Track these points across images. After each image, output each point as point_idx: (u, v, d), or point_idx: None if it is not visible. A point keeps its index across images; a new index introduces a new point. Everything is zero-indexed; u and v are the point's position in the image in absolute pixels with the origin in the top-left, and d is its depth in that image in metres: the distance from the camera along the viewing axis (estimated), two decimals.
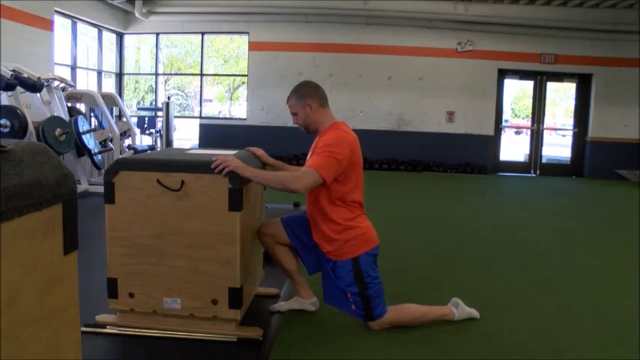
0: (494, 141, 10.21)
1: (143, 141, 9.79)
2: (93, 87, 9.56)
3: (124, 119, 7.38)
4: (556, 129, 13.75)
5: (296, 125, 2.53)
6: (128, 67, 11.11)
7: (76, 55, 8.85)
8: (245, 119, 10.42)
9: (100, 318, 2.32)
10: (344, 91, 9.79)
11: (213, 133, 10.31)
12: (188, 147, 6.46)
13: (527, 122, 11.87)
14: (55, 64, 7.82)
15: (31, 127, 5.18)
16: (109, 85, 10.45)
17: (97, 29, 9.56)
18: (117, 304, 2.25)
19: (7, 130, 5.04)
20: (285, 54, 10.03)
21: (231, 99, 19.39)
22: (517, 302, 2.95)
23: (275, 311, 2.58)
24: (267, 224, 2.57)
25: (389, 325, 2.42)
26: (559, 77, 10.29)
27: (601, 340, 2.45)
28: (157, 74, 11.09)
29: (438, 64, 9.94)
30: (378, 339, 2.35)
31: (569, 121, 11.15)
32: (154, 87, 11.47)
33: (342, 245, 2.36)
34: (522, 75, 10.37)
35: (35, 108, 5.89)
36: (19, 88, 5.33)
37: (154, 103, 11.12)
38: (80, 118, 5.92)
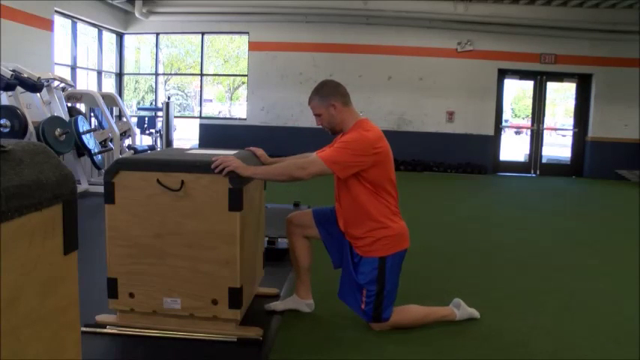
0: (494, 141, 10.20)
1: (143, 141, 9.79)
2: (93, 87, 9.56)
3: (124, 119, 7.38)
4: (556, 129, 13.75)
5: (320, 127, 2.45)
6: (128, 67, 11.11)
7: (76, 55, 8.85)
8: (245, 119, 10.41)
9: (100, 318, 2.32)
10: None
11: (213, 133, 10.31)
12: (188, 147, 6.46)
13: (527, 122, 11.86)
14: (55, 64, 7.82)
15: (31, 127, 5.18)
16: (109, 85, 10.45)
17: (97, 29, 9.56)
18: (117, 304, 2.25)
19: (7, 130, 5.04)
20: (285, 54, 10.03)
21: (231, 99, 19.40)
22: (517, 302, 2.95)
23: (270, 310, 2.57)
24: (298, 215, 2.56)
25: (390, 326, 2.42)
26: (559, 77, 10.28)
27: (601, 340, 2.45)
28: (157, 74, 11.09)
29: (438, 64, 9.94)
30: (378, 339, 2.35)
31: (569, 121, 11.15)
32: (154, 87, 11.47)
33: (372, 242, 2.33)
34: (522, 75, 10.37)
35: (35, 108, 5.88)
36: (19, 88, 5.33)
37: (154, 103, 11.12)
38: (80, 118, 5.92)
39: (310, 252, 2.56)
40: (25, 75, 5.33)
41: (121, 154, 6.28)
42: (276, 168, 2.32)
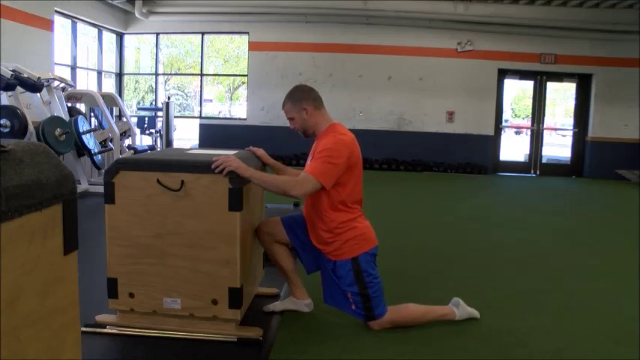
0: (494, 141, 10.20)
1: (143, 141, 9.79)
2: (93, 87, 9.56)
3: (124, 119, 7.38)
4: (556, 129, 13.74)
5: (293, 129, 2.54)
6: (128, 67, 11.11)
7: (76, 55, 8.84)
8: (245, 119, 10.42)
9: (100, 318, 2.32)
10: (344, 91, 9.79)
11: (213, 133, 10.31)
12: (188, 147, 6.46)
13: (527, 122, 11.86)
14: (55, 64, 7.82)
15: (31, 127, 5.17)
16: (109, 85, 10.44)
17: (97, 29, 9.56)
18: (117, 304, 2.25)
19: (7, 130, 5.04)
20: (285, 54, 10.03)
21: (231, 99, 19.40)
22: (517, 302, 2.95)
23: (269, 311, 2.58)
24: (266, 222, 2.57)
25: (389, 324, 2.42)
26: (559, 77, 10.28)
27: (601, 340, 2.45)
28: (157, 74, 11.08)
29: (438, 64, 9.94)
30: (378, 339, 2.35)
31: (569, 121, 11.15)
32: (154, 87, 11.47)
33: (341, 245, 2.37)
34: (522, 75, 10.37)
35: (35, 108, 5.88)
36: (19, 88, 5.33)
37: (154, 103, 11.12)
38: (80, 118, 5.92)
39: (289, 253, 2.58)
40: (25, 75, 5.33)
41: (121, 154, 6.28)
42: (276, 178, 2.37)
